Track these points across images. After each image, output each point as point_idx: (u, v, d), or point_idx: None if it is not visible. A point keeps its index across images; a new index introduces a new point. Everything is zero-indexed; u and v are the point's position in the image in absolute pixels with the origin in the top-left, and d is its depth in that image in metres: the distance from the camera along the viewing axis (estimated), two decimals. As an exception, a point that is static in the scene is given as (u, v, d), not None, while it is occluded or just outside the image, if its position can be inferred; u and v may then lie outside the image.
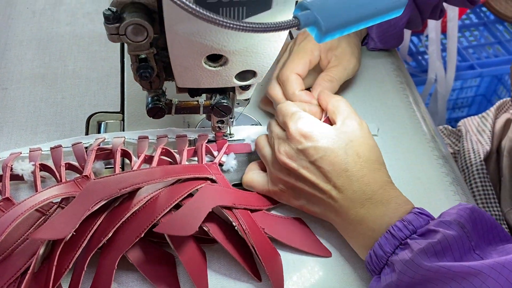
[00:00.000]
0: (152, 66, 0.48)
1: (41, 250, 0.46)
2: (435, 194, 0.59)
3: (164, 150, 0.57)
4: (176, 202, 0.49)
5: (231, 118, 0.59)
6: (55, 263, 0.45)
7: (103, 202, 0.48)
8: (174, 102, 0.53)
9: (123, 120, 0.64)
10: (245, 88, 0.54)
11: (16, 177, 0.55)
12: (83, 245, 0.47)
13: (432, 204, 0.56)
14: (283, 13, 0.44)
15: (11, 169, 0.54)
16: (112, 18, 0.44)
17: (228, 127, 0.60)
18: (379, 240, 0.46)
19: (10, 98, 0.66)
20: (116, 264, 0.47)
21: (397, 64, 0.75)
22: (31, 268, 0.45)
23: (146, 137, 0.60)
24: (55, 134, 0.62)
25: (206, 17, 0.36)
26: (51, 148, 0.58)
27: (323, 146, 0.50)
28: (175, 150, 0.59)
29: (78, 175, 0.54)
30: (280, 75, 0.60)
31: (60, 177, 0.54)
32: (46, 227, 0.46)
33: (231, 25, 0.37)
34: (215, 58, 0.48)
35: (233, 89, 0.54)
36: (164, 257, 0.50)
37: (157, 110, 0.53)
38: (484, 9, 1.70)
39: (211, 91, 0.54)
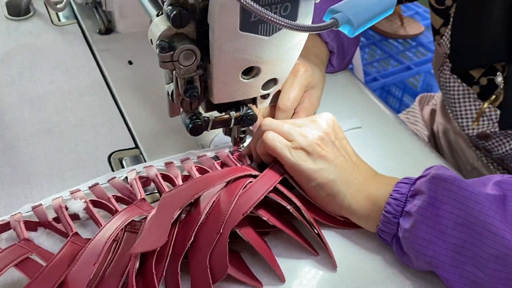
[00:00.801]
0: (197, 86, 0.56)
1: (137, 264, 0.50)
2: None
3: (197, 167, 0.63)
4: (236, 198, 0.56)
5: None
6: (153, 271, 0.49)
7: (179, 210, 0.53)
8: (211, 118, 0.60)
9: (141, 153, 0.69)
10: (265, 97, 0.62)
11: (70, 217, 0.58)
12: (170, 252, 0.52)
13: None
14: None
15: (66, 208, 0.57)
16: (167, 48, 0.51)
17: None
18: (395, 186, 0.56)
19: (24, 153, 0.68)
20: (208, 262, 0.52)
21: (350, 74, 0.89)
22: (132, 282, 0.49)
23: (172, 162, 0.66)
24: (83, 177, 0.65)
25: (272, 19, 0.44)
26: (90, 187, 0.62)
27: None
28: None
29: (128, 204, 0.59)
30: (283, 104, 0.69)
31: (114, 207, 0.58)
32: (141, 242, 0.50)
33: (289, 26, 0.45)
34: (247, 72, 0.57)
35: (255, 100, 0.62)
36: (232, 253, 0.56)
37: (198, 127, 0.59)
38: (369, 31, 1.95)
39: (236, 105, 0.61)
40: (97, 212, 0.58)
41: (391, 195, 0.56)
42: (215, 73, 0.55)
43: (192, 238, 0.53)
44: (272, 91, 0.61)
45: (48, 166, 0.66)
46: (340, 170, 0.59)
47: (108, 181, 0.63)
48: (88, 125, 0.73)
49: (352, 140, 0.65)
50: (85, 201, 0.58)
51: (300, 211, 0.58)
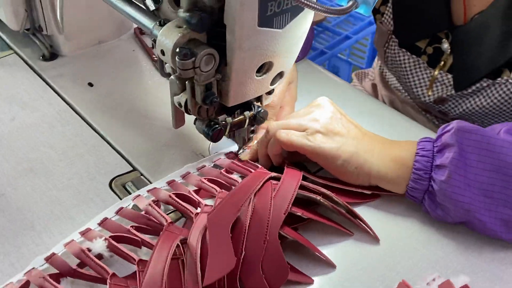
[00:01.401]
0: (215, 91, 0.54)
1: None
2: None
3: (207, 179, 0.61)
4: (272, 202, 0.55)
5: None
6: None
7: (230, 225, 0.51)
8: (229, 122, 0.58)
9: (142, 175, 0.66)
10: (271, 92, 0.62)
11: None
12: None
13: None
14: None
15: (89, 250, 0.52)
16: (190, 54, 0.49)
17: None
18: (418, 145, 0.59)
19: (16, 199, 0.61)
20: (261, 271, 0.50)
21: (309, 62, 0.91)
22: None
23: (174, 180, 0.62)
24: (90, 211, 0.60)
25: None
26: (99, 224, 0.57)
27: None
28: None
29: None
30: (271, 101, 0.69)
31: (140, 238, 0.54)
32: (211, 269, 0.47)
33: (323, 10, 0.46)
34: (260, 69, 0.56)
35: (260, 97, 0.61)
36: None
37: (218, 133, 0.57)
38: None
39: (244, 105, 0.60)
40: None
41: (417, 153, 0.59)
42: (233, 74, 0.53)
43: (244, 252, 0.51)
44: (278, 84, 0.61)
45: (48, 207, 0.60)
46: (358, 141, 0.61)
47: (117, 213, 0.58)
48: (73, 157, 0.67)
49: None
50: (105, 239, 0.54)
51: (331, 198, 0.59)
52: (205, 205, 0.56)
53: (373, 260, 0.57)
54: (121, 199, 0.62)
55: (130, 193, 0.63)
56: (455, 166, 0.56)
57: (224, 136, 0.64)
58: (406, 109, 1.07)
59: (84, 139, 0.70)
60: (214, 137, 0.57)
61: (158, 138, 0.71)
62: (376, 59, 1.21)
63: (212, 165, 0.66)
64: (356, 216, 0.59)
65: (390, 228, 0.60)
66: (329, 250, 0.57)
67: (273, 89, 0.61)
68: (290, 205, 0.55)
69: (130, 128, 0.72)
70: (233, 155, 0.67)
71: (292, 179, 0.59)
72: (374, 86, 1.18)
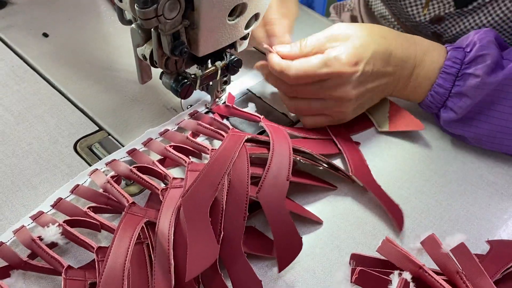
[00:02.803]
0: (184, 40, 0.48)
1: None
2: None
3: (172, 147, 0.55)
4: (249, 172, 0.50)
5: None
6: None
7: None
8: (199, 75, 0.52)
9: (109, 135, 0.60)
10: (246, 37, 0.56)
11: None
12: None
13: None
14: None
15: (41, 239, 0.47)
16: (151, 1, 0.43)
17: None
18: (437, 81, 0.57)
19: (-29, 171, 0.55)
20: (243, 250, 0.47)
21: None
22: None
23: (135, 149, 0.56)
24: (55, 179, 0.55)
25: None
26: (53, 206, 0.51)
27: None
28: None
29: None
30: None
31: (99, 221, 0.48)
32: (192, 263, 0.43)
33: None
34: (231, 12, 0.50)
35: (234, 44, 0.55)
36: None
37: (188, 87, 0.52)
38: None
39: (216, 54, 0.54)
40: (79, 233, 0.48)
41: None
42: (202, 20, 0.47)
43: (222, 232, 0.46)
44: (253, 27, 0.54)
45: (8, 177, 0.55)
46: None
47: (72, 191, 0.52)
48: (31, 119, 0.61)
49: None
50: (59, 225, 0.48)
51: (310, 155, 0.55)
52: (173, 178, 0.50)
53: (362, 213, 0.54)
54: (88, 163, 0.57)
55: (97, 156, 0.58)
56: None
57: (196, 88, 0.59)
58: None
59: (43, 97, 0.64)
60: (183, 94, 0.51)
61: (124, 92, 0.65)
62: (356, -12, 1.14)
63: (176, 128, 0.59)
64: (337, 169, 0.55)
65: (377, 179, 0.57)
66: (315, 207, 0.54)
67: (248, 33, 0.55)
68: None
69: (93, 82, 0.66)
70: (198, 115, 0.60)
71: (281, 143, 0.53)
72: (353, 18, 1.12)
